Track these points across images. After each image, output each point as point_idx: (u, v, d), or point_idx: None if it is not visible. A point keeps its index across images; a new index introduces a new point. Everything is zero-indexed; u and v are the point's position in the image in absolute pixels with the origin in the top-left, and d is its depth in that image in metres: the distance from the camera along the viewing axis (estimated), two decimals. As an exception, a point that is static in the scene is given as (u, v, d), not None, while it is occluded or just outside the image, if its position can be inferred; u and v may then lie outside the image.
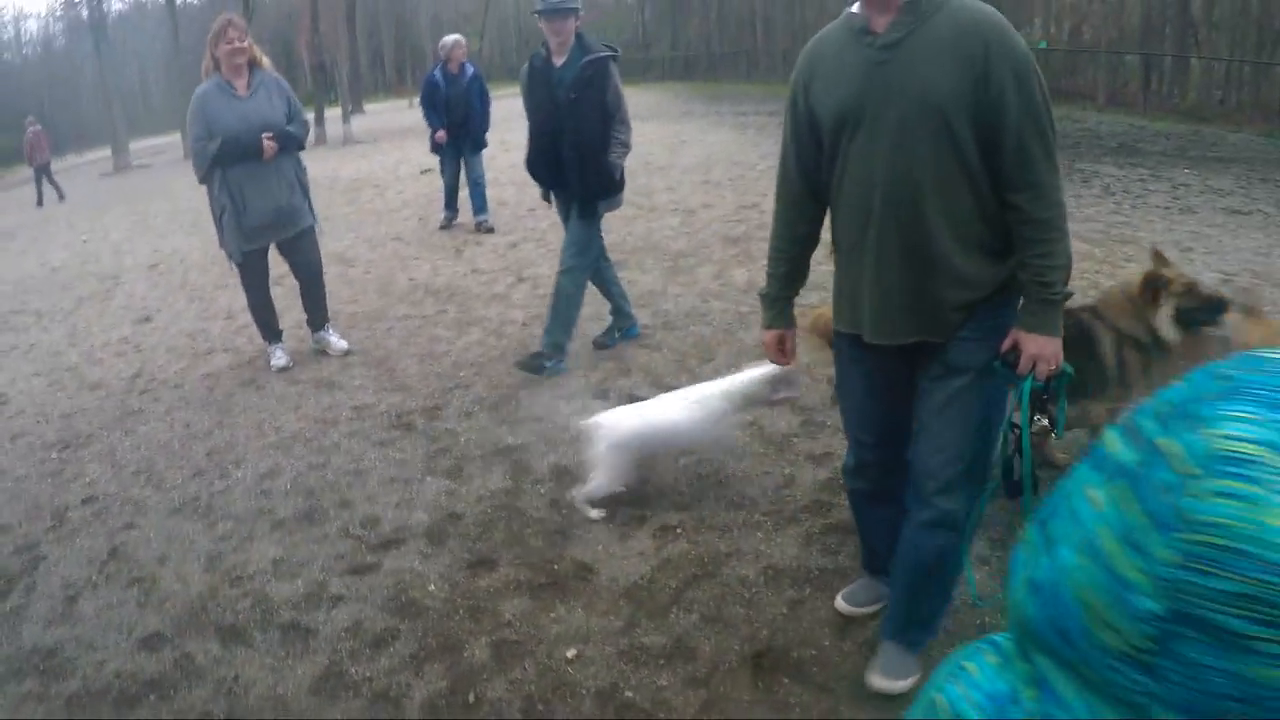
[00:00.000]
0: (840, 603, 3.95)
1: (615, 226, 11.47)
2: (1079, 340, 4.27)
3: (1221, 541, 0.72)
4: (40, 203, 25.89)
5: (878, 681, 3.44)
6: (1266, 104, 23.54)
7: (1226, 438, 0.74)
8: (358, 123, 35.19)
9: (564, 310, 6.75)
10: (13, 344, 9.73)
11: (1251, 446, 0.73)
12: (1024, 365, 3.04)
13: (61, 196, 26.04)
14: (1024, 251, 2.99)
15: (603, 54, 6.48)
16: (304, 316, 7.87)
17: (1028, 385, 3.09)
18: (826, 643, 3.74)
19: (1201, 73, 27.19)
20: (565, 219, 6.85)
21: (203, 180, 7.03)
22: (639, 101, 31.62)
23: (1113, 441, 0.86)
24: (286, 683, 3.88)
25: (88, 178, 29.86)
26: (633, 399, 6.11)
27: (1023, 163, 2.89)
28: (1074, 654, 0.87)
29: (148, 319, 9.83)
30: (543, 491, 5.19)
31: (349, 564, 4.68)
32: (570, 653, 3.86)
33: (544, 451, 5.67)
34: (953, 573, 3.40)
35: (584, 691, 3.63)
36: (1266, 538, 0.70)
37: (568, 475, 5.30)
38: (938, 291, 3.06)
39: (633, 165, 16.05)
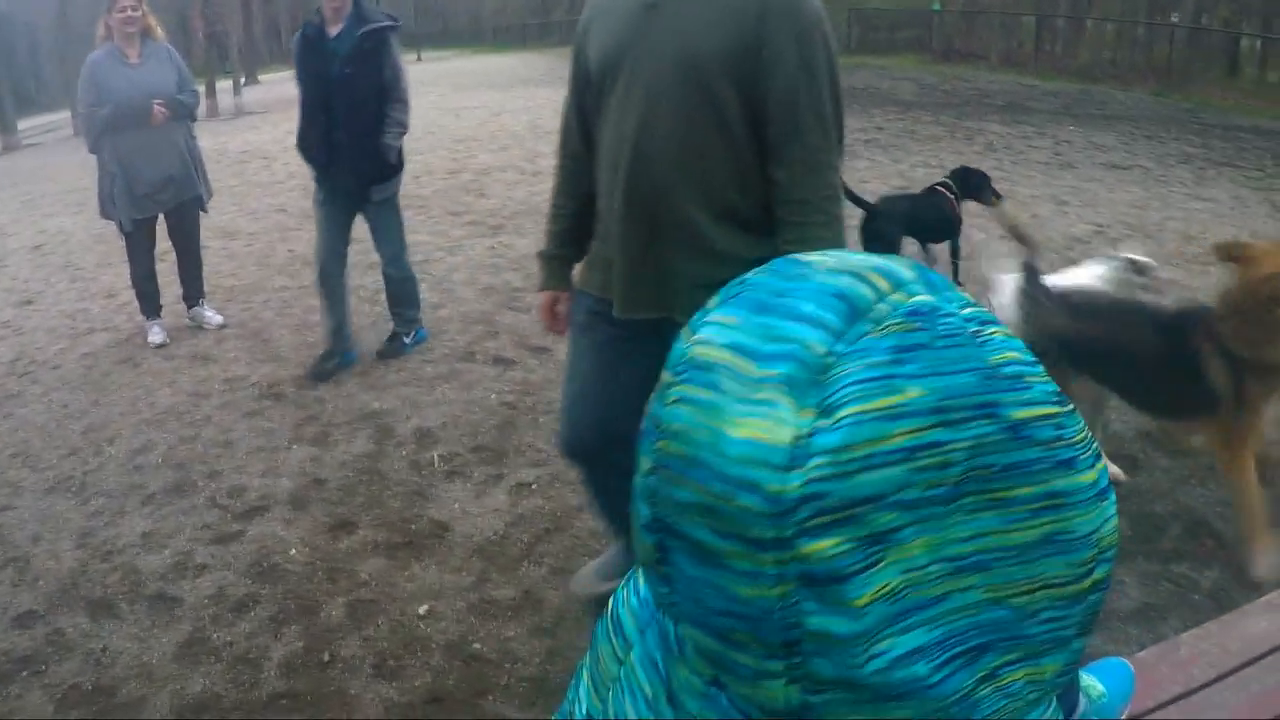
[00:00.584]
0: (583, 583, 3.80)
1: (497, 192, 11.56)
2: (1179, 361, 3.78)
3: (680, 449, 0.69)
4: None
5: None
6: (1157, 64, 24.05)
7: (698, 342, 0.72)
8: (250, 94, 34.52)
9: (403, 292, 6.66)
10: (-110, 333, 9.58)
11: (716, 350, 0.70)
12: None
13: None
14: (780, 235, 2.72)
15: (382, 24, 5.97)
16: (182, 292, 7.83)
17: None
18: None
19: (1094, 33, 27.66)
20: (332, 202, 6.21)
21: (93, 149, 6.96)
22: (535, 65, 31.57)
23: None
24: (152, 651, 3.96)
25: (-27, 159, 29.13)
26: (499, 361, 6.24)
27: (790, 135, 2.65)
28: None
29: (29, 302, 9.69)
30: (404, 454, 5.31)
31: (215, 533, 4.76)
32: (422, 609, 3.99)
33: (408, 415, 5.79)
34: None
35: (434, 645, 3.77)
36: (722, 448, 0.66)
37: (429, 437, 5.44)
38: (680, 262, 2.82)
39: (520, 130, 16.19)
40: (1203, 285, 7.05)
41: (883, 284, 0.69)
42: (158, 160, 6.85)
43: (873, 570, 0.64)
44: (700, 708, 0.82)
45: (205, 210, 7.48)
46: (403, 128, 6.13)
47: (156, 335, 7.45)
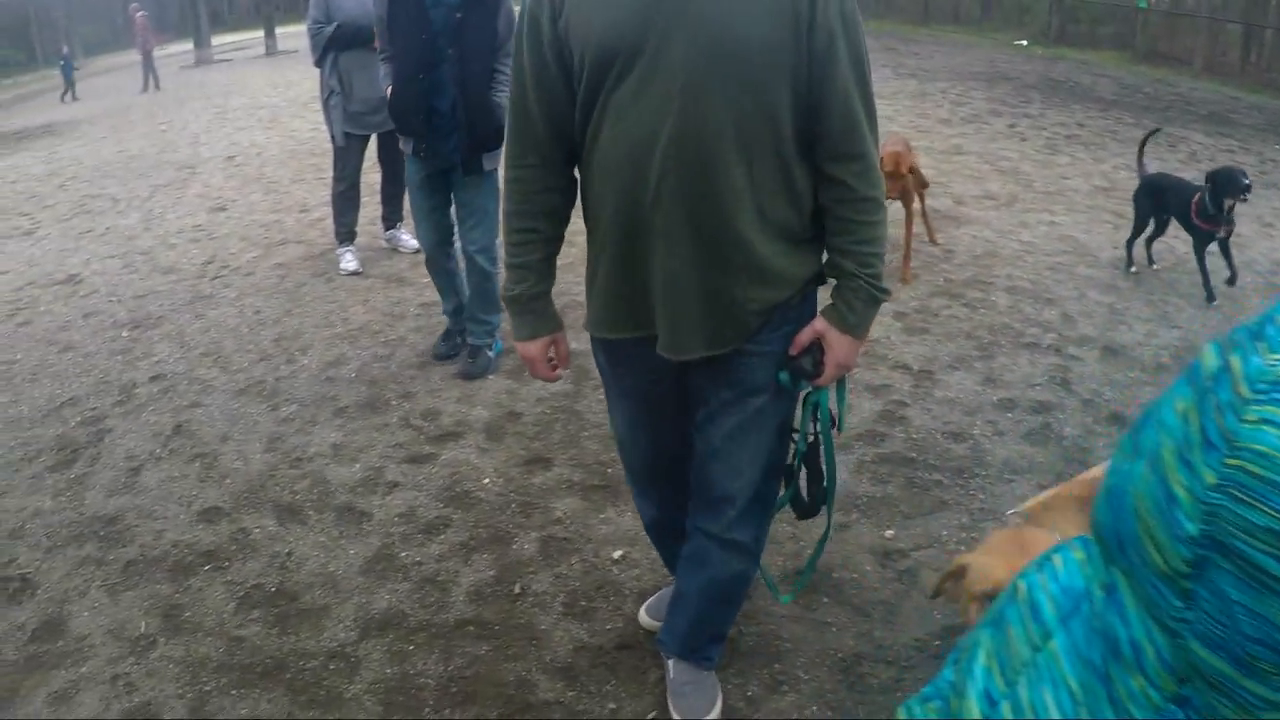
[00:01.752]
0: (644, 616, 3.52)
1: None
2: None
3: (1261, 471, 0.67)
4: (146, 88, 26.28)
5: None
6: (1369, 87, 22.89)
7: None
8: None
9: (488, 291, 5.58)
10: (88, 227, 9.88)
11: None
12: (830, 375, 2.56)
13: (157, 85, 26.33)
14: (846, 236, 2.46)
15: None
16: (378, 213, 7.92)
17: (825, 398, 2.71)
18: (868, 568, 3.76)
19: (1304, 49, 26.42)
20: (429, 179, 5.44)
21: (317, 63, 7.04)
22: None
23: (1207, 355, 0.81)
24: (338, 561, 4.00)
25: (169, 70, 30.10)
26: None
27: (851, 128, 2.35)
28: (1127, 566, 0.86)
29: (222, 209, 9.92)
30: (602, 397, 5.19)
31: (407, 453, 4.78)
32: (617, 554, 3.93)
33: (606, 360, 5.65)
34: (745, 589, 3.08)
35: (626, 591, 3.70)
36: None
37: (627, 383, 5.29)
38: (736, 290, 2.46)
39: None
40: None
41: None
42: (374, 80, 6.84)
43: None
44: None
45: None
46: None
47: (349, 262, 7.50)
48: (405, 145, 5.38)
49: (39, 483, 4.79)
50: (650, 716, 3.12)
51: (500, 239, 2.67)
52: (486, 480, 4.51)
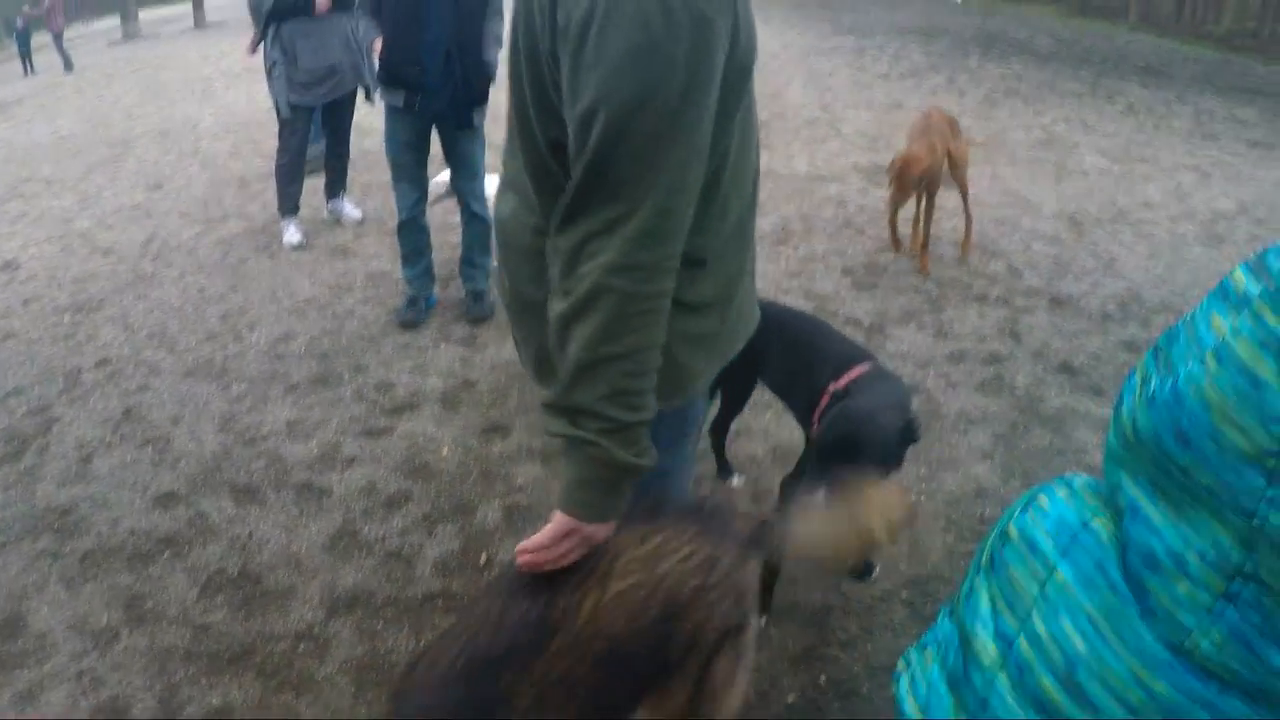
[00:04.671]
0: None
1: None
2: None
3: None
4: (69, 66, 25.77)
5: None
6: (1302, 38, 23.13)
7: None
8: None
9: (485, 236, 5.90)
10: (22, 211, 9.64)
11: None
12: None
13: (68, 66, 25.80)
14: None
15: None
16: (318, 185, 7.78)
17: None
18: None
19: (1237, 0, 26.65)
20: (415, 139, 5.59)
21: (260, 35, 6.89)
22: None
23: (1239, 278, 0.90)
24: (300, 540, 3.95)
25: (96, 46, 29.58)
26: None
27: None
28: (1191, 457, 0.90)
29: (159, 186, 9.72)
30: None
31: (363, 427, 4.73)
32: (580, 519, 3.89)
33: (558, 324, 5.62)
34: None
35: (593, 556, 3.67)
36: None
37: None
38: None
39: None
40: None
41: None
42: (320, 48, 6.74)
43: None
44: (1200, 620, 0.89)
45: (371, 102, 7.26)
46: (500, 44, 5.33)
47: (293, 235, 7.37)
48: (393, 99, 5.44)
49: (-13, 477, 4.68)
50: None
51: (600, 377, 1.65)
52: (445, 451, 4.47)
